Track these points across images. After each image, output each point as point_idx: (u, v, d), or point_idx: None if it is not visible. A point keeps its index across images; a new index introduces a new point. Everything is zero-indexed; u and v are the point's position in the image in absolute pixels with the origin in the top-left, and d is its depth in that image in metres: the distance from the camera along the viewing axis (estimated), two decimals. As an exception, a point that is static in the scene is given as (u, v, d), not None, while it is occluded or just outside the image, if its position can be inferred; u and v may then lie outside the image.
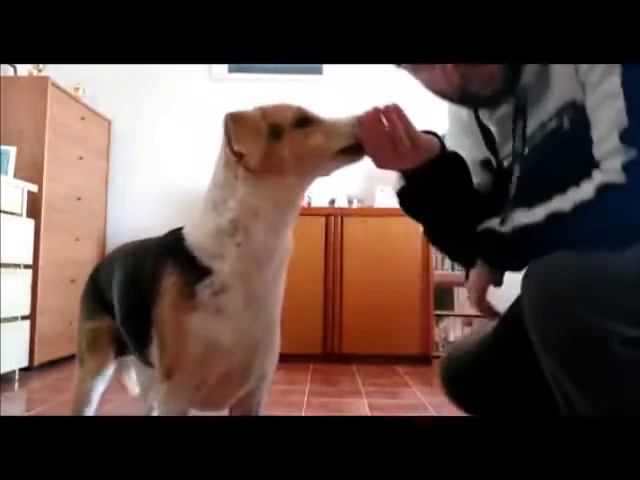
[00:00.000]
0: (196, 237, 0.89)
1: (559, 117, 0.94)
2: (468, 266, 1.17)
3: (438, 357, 3.28)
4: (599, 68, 0.86)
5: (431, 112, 4.06)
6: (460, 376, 1.20)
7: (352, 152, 0.88)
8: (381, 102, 0.91)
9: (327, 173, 0.90)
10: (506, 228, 0.94)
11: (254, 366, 0.92)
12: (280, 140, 0.86)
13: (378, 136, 0.88)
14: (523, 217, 0.91)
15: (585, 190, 0.84)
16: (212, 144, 4.24)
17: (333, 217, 3.31)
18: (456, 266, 3.44)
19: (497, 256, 1.00)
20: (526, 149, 1.01)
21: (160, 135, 3.82)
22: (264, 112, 0.88)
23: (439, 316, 3.49)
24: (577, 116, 0.90)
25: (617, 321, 0.75)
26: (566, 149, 0.92)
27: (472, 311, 3.48)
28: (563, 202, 0.86)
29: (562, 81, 0.93)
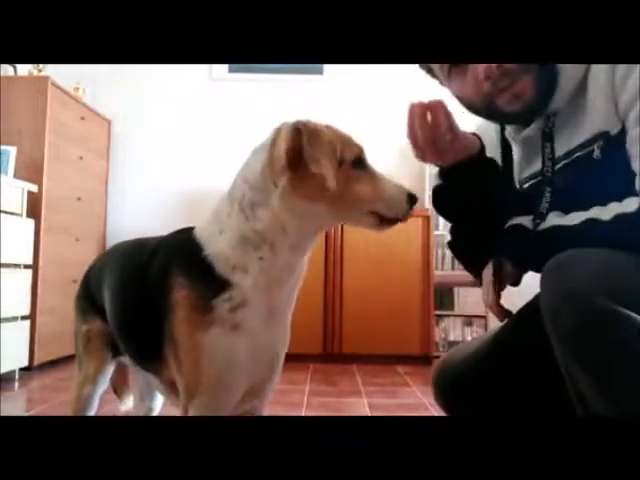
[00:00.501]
0: (217, 245, 0.83)
1: (590, 145, 0.95)
2: (479, 274, 1.18)
3: (438, 357, 3.28)
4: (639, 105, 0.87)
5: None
6: (455, 385, 1.19)
7: (388, 222, 0.85)
8: (427, 98, 0.94)
9: (353, 224, 0.87)
10: (538, 227, 0.96)
11: (269, 382, 0.90)
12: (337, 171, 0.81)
13: (421, 128, 0.91)
14: (558, 219, 0.93)
15: (628, 204, 0.86)
16: (212, 144, 4.20)
17: (333, 217, 3.31)
18: (456, 266, 3.43)
19: (524, 253, 1.00)
20: (555, 170, 1.02)
21: (160, 135, 3.82)
22: (335, 134, 0.84)
23: (439, 316, 3.49)
24: (609, 146, 0.92)
25: (634, 311, 0.74)
26: (595, 176, 0.93)
27: (472, 311, 3.50)
28: (602, 212, 0.88)
29: (597, 112, 0.94)
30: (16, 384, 2.49)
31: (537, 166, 1.06)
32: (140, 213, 3.74)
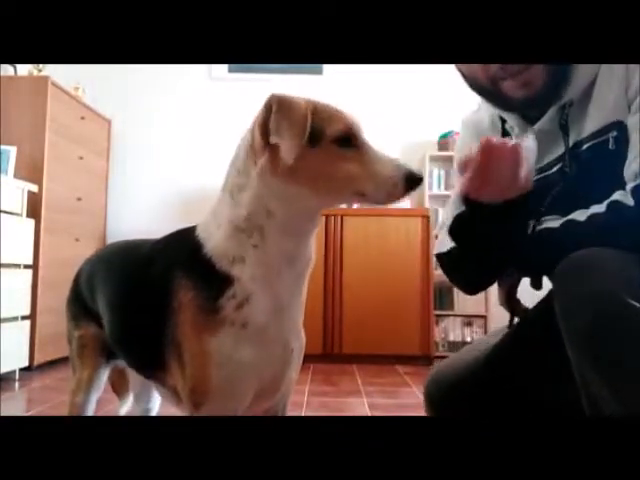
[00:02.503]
0: (215, 240, 0.80)
1: (603, 135, 0.93)
2: (473, 291, 1.15)
3: (438, 357, 3.28)
4: None
5: (431, 112, 4.04)
6: (448, 400, 1.15)
7: (374, 199, 0.78)
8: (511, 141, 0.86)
9: (342, 202, 0.83)
10: (531, 231, 0.95)
11: (285, 378, 0.85)
12: (314, 148, 0.75)
13: (499, 171, 0.84)
14: (547, 223, 0.93)
15: (602, 205, 0.87)
16: (212, 144, 4.22)
17: (333, 217, 3.31)
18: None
19: (523, 258, 0.99)
20: (566, 165, 0.99)
21: (160, 135, 3.82)
22: (315, 108, 0.77)
23: (439, 316, 3.49)
24: (622, 136, 0.90)
25: None
26: (609, 167, 0.92)
27: (472, 311, 3.50)
28: (581, 213, 0.89)
29: (610, 101, 0.92)
30: (16, 384, 2.49)
31: (542, 162, 1.03)
32: (140, 213, 3.74)
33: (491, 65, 0.94)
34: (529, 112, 1.03)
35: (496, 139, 0.84)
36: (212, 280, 0.79)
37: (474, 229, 0.97)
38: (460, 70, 1.03)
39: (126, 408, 1.26)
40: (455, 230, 1.01)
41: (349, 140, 0.77)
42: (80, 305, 1.10)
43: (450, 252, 1.07)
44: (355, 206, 3.51)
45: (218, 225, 0.81)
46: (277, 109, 0.76)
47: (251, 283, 0.79)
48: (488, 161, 0.84)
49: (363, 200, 0.79)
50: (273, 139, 0.75)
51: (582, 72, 0.95)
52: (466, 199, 0.94)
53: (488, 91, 1.00)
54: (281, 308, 0.81)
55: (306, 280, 0.85)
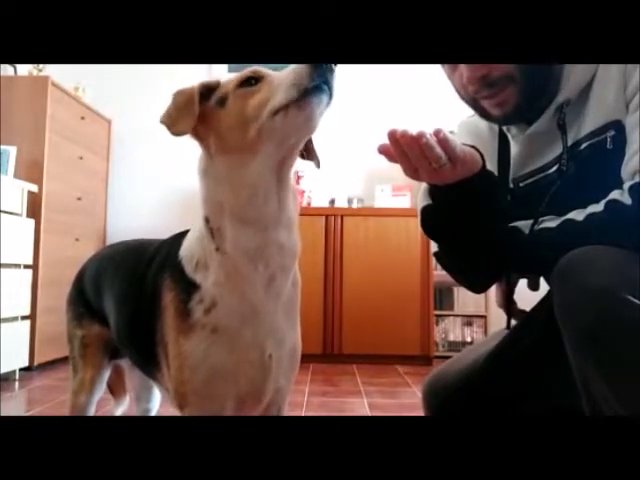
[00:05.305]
0: (186, 243, 0.83)
1: (600, 135, 0.93)
2: (478, 290, 1.15)
3: (438, 357, 3.28)
4: None
5: (431, 112, 4.03)
6: (449, 405, 1.14)
7: (298, 109, 0.72)
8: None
9: (288, 149, 0.77)
10: (527, 231, 0.95)
11: (267, 385, 0.83)
12: (226, 106, 0.79)
13: (413, 156, 0.84)
14: (545, 223, 0.94)
15: (599, 204, 0.88)
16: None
17: (333, 217, 3.31)
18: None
19: (515, 256, 0.99)
20: (563, 164, 0.99)
21: (160, 135, 3.81)
22: (215, 84, 0.83)
23: (439, 316, 3.49)
24: (620, 135, 0.91)
25: None
26: (607, 167, 0.92)
27: (472, 311, 3.50)
28: (579, 213, 0.89)
29: (607, 100, 0.92)
30: (16, 384, 2.49)
31: (541, 162, 1.03)
32: (140, 213, 3.74)
33: (468, 85, 0.98)
34: (509, 125, 1.07)
35: (401, 129, 0.84)
36: (184, 284, 0.80)
37: (439, 220, 0.99)
38: (453, 86, 1.06)
39: (122, 409, 1.25)
40: (424, 223, 1.03)
41: (252, 80, 0.78)
42: (83, 304, 1.09)
43: (438, 251, 1.08)
44: (355, 206, 3.52)
45: (194, 229, 0.84)
46: (170, 101, 0.84)
47: (215, 288, 0.78)
48: (401, 149, 0.85)
49: (287, 116, 0.73)
50: (160, 119, 0.83)
51: (578, 72, 0.95)
52: (432, 192, 0.97)
53: (472, 108, 1.05)
54: (255, 312, 0.79)
55: (285, 281, 0.82)
